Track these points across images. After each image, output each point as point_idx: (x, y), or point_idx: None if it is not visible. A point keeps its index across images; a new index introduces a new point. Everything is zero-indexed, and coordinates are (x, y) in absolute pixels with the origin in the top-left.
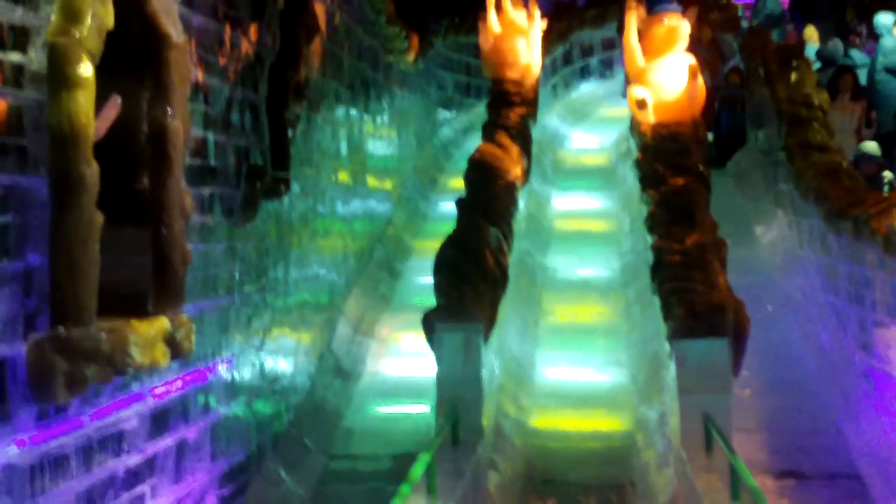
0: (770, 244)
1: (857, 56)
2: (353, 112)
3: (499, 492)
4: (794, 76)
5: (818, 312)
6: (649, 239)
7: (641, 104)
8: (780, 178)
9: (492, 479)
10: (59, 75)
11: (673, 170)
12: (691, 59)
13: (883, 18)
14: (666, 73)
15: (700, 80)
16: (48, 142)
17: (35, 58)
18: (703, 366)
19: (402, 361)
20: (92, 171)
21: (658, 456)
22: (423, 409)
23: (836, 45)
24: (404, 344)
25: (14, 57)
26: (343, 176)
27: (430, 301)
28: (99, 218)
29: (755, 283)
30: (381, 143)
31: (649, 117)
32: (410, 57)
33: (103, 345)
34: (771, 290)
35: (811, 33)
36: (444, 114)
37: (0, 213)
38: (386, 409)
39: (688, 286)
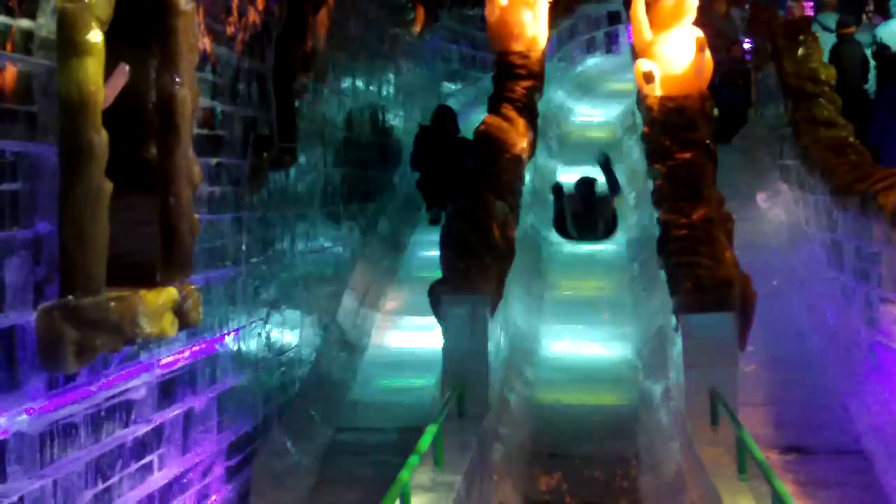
0: (775, 220)
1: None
2: (359, 84)
3: (504, 464)
4: (800, 51)
5: (824, 288)
6: (655, 213)
7: (648, 77)
8: (786, 153)
9: (497, 452)
10: (68, 42)
11: (680, 143)
12: (699, 32)
13: None
14: (673, 46)
15: (707, 53)
16: (58, 109)
17: (44, 24)
18: (709, 340)
19: (406, 334)
20: (101, 138)
21: (663, 430)
22: (428, 381)
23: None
24: (409, 317)
25: (23, 23)
26: (349, 147)
27: (435, 275)
28: (108, 186)
29: (760, 258)
30: (386, 115)
31: (656, 90)
32: (416, 29)
33: (112, 314)
34: (776, 266)
35: None
36: (448, 86)
37: (9, 181)
38: (391, 382)
39: (694, 260)
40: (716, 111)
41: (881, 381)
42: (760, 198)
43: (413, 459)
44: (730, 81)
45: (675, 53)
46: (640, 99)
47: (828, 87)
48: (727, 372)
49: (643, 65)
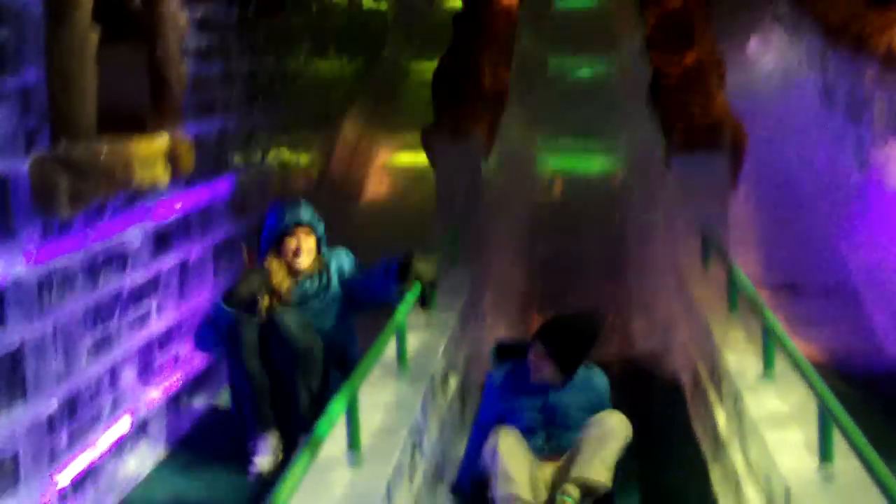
0: (768, 65)
1: None
2: None
3: (493, 308)
4: None
5: (816, 133)
6: (648, 58)
7: None
8: None
9: (488, 299)
10: None
11: None
12: None
13: None
14: None
15: None
16: None
17: None
18: (701, 180)
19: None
20: None
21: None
22: None
23: None
24: (402, 164)
25: None
26: None
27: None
28: (94, 34)
29: (752, 104)
30: None
31: None
32: None
33: (105, 160)
34: (768, 111)
35: None
36: None
37: None
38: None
39: (686, 101)
40: None
41: (872, 222)
42: (753, 43)
43: (409, 298)
44: None
45: None
46: None
47: None
48: (718, 212)
49: None
